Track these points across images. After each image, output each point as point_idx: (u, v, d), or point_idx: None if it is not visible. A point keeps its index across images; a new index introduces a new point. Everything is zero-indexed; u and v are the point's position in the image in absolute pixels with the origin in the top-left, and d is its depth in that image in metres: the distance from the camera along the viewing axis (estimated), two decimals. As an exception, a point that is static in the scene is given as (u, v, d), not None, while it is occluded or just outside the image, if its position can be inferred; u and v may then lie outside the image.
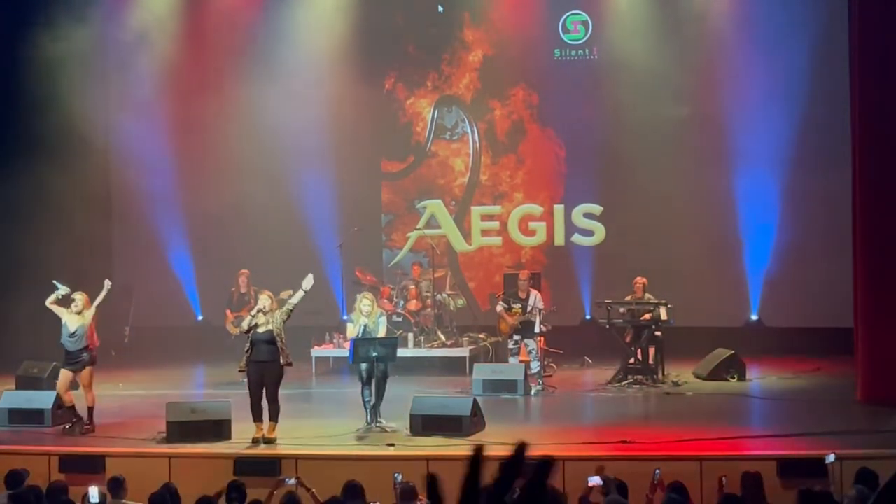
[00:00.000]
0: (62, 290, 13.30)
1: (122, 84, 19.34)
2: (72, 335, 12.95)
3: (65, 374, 13.10)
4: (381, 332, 13.59)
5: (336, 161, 18.85)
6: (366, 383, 13.03)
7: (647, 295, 15.95)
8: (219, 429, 12.61)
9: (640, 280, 15.99)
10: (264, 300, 12.85)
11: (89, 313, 13.02)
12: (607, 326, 16.07)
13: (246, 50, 19.03)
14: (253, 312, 12.93)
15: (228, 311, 16.85)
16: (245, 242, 18.70)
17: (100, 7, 18.20)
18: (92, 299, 13.20)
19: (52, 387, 14.10)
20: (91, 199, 18.28)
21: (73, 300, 13.07)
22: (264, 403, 12.55)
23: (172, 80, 19.09)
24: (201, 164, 19.20)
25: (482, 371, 15.25)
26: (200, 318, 19.40)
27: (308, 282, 12.78)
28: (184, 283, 19.72)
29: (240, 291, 16.94)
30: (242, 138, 18.77)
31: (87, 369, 12.92)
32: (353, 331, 13.47)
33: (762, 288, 18.20)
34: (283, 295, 13.41)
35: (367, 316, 13.43)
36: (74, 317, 12.89)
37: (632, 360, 15.62)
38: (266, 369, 12.63)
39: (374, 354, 13.09)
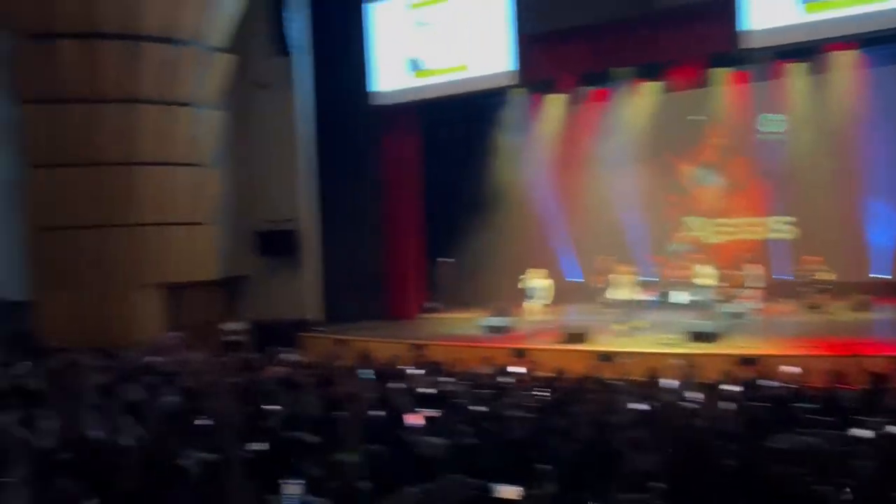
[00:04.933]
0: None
1: (532, 149, 18.50)
2: (534, 289, 14.55)
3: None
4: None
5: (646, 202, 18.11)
6: None
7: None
8: (581, 337, 13.21)
9: (813, 259, 15.35)
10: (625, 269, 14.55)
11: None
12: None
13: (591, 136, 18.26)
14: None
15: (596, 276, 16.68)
16: (603, 235, 17.87)
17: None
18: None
19: (509, 313, 15.37)
20: (517, 205, 17.85)
21: (526, 273, 14.75)
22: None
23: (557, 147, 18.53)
24: (580, 198, 18.53)
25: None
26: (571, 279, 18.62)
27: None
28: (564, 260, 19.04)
29: (602, 266, 16.47)
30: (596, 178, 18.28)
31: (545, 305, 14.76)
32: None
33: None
34: (622, 269, 14.49)
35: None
36: (536, 280, 14.67)
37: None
38: None
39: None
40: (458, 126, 18.30)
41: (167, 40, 15.93)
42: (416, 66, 17.98)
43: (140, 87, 15.71)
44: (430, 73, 17.75)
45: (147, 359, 11.49)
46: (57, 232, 15.54)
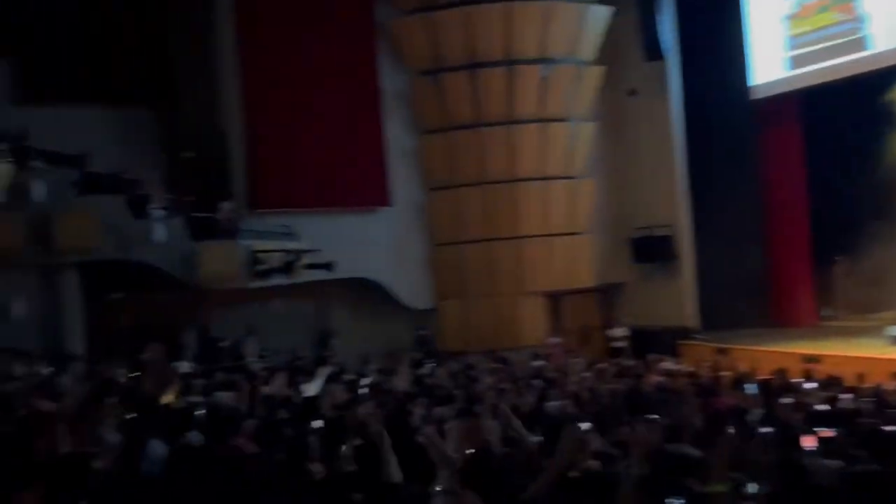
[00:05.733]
0: None
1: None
2: None
3: None
4: None
5: None
6: None
7: None
8: None
9: None
10: None
11: None
12: None
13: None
14: None
15: None
16: None
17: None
18: None
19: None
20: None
21: None
22: None
23: None
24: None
25: None
26: None
27: None
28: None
29: None
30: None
31: None
32: None
33: None
34: None
35: None
36: None
37: None
38: None
39: None
40: (846, 113, 16.62)
41: (541, 61, 16.94)
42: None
43: (519, 108, 16.93)
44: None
45: (535, 363, 12.28)
46: (451, 246, 17.34)
